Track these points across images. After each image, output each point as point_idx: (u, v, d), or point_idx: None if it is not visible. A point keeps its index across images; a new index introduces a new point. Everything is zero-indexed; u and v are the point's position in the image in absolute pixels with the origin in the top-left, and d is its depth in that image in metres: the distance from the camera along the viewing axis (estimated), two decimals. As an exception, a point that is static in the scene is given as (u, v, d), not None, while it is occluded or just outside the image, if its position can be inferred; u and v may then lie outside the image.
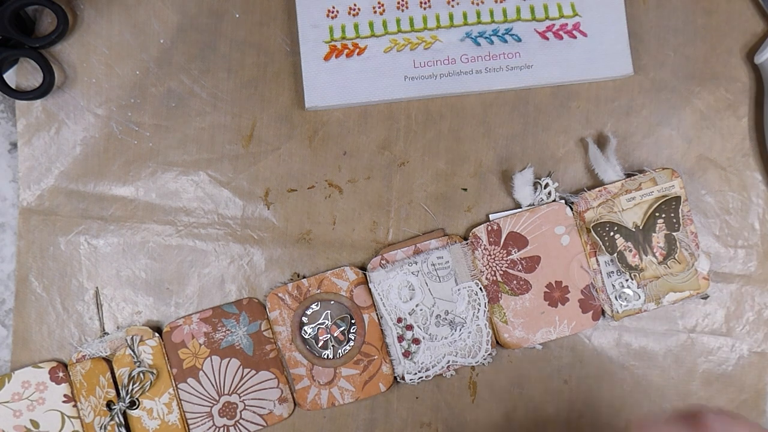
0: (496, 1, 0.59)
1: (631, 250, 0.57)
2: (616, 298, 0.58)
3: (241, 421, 0.57)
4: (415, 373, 0.57)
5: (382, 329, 0.57)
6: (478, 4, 0.59)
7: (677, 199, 0.58)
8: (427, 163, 0.59)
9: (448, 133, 0.59)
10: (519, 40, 0.59)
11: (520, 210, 0.58)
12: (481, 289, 0.57)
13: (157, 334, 0.58)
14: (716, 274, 0.59)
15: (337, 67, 0.58)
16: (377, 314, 0.58)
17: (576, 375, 0.59)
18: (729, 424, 0.43)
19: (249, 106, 0.59)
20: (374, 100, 0.58)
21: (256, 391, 0.57)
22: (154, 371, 0.57)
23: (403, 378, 0.57)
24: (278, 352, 0.58)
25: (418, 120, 0.59)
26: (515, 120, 0.59)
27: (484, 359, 0.57)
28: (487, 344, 0.57)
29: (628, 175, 0.58)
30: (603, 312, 0.58)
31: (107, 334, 0.58)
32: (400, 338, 0.57)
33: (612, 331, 0.59)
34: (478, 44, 0.58)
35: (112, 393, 0.57)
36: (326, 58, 0.58)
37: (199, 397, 0.57)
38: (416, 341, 0.57)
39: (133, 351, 0.57)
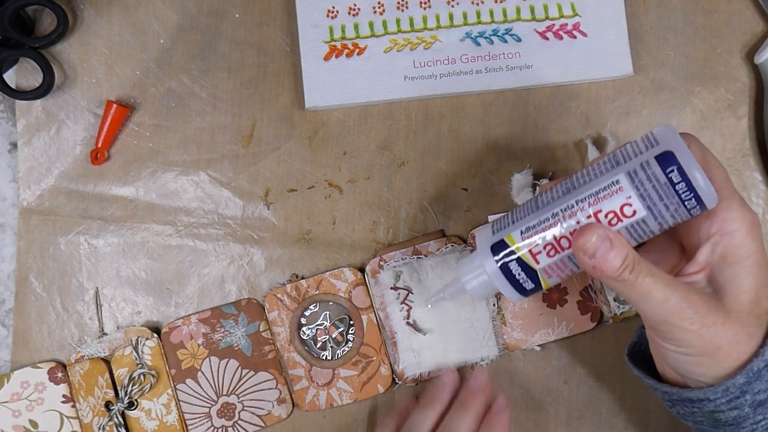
0: (496, 1, 0.56)
1: (630, 251, 0.55)
2: (614, 299, 0.55)
3: (239, 421, 0.55)
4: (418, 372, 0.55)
5: (381, 329, 0.55)
6: (478, 4, 0.56)
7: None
8: (427, 163, 0.56)
9: (448, 133, 0.56)
10: (519, 40, 0.56)
11: (519, 210, 0.56)
12: None
13: (155, 335, 0.55)
14: (716, 275, 0.56)
15: (337, 67, 0.55)
16: (376, 315, 0.55)
17: (576, 375, 0.56)
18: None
19: (249, 106, 0.56)
20: (374, 100, 0.56)
21: (254, 392, 0.55)
22: (155, 373, 0.54)
23: (401, 376, 0.54)
24: (277, 353, 0.55)
25: (418, 120, 0.56)
26: (515, 120, 0.56)
27: (485, 360, 0.55)
28: (491, 343, 0.54)
29: (628, 176, 0.56)
30: (601, 314, 0.55)
31: (106, 334, 0.55)
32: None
33: (612, 331, 0.56)
34: (478, 44, 0.56)
35: (111, 393, 0.54)
36: (326, 58, 0.55)
37: (198, 398, 0.54)
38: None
39: (137, 353, 0.54)
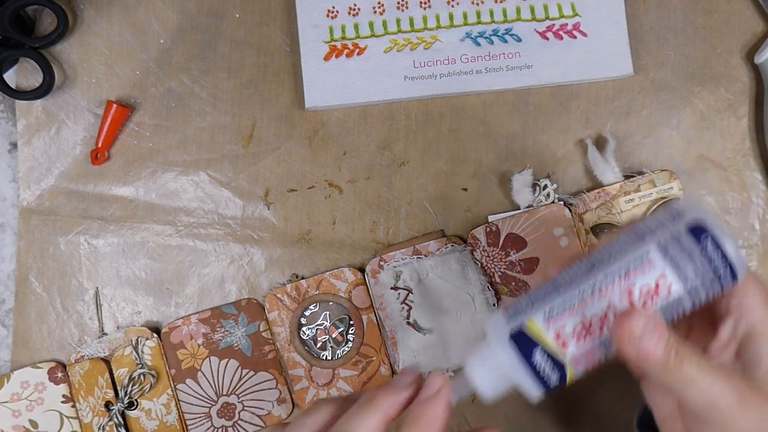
0: (496, 1, 0.55)
1: (630, 251, 0.54)
2: (615, 298, 0.55)
3: (239, 421, 0.54)
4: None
5: (381, 329, 0.54)
6: (478, 4, 0.55)
7: (676, 200, 0.55)
8: (427, 163, 0.56)
9: (448, 133, 0.56)
10: (519, 40, 0.55)
11: (519, 212, 0.55)
12: (488, 287, 0.54)
13: (155, 335, 0.54)
14: (716, 275, 0.56)
15: (337, 67, 0.55)
16: (376, 315, 0.55)
17: (575, 375, 0.56)
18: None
19: (249, 106, 0.56)
20: (374, 100, 0.55)
21: (254, 392, 0.54)
22: (155, 373, 0.53)
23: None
24: (277, 353, 0.55)
25: (418, 120, 0.56)
26: (515, 120, 0.56)
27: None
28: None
29: (627, 177, 0.55)
30: (602, 313, 0.55)
31: (106, 334, 0.55)
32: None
33: (612, 331, 0.56)
34: (478, 44, 0.55)
35: (111, 393, 0.54)
36: (326, 58, 0.55)
37: (198, 398, 0.54)
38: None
39: (137, 353, 0.54)
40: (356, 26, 0.55)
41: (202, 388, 0.54)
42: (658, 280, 0.35)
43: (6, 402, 0.54)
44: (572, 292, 0.36)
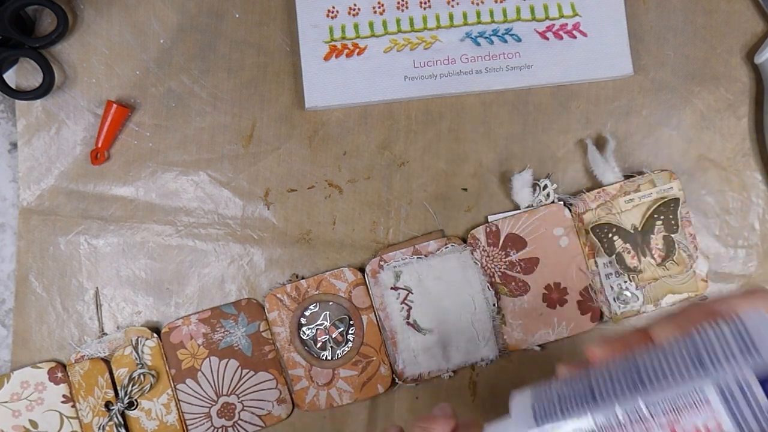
0: (496, 1, 0.55)
1: (629, 252, 0.54)
2: (614, 299, 0.55)
3: (239, 421, 0.54)
4: (417, 372, 0.54)
5: (381, 329, 0.54)
6: (478, 4, 0.55)
7: (676, 200, 0.55)
8: (427, 163, 0.56)
9: (448, 133, 0.56)
10: (519, 40, 0.55)
11: (519, 212, 0.55)
12: (488, 287, 0.54)
13: (155, 335, 0.54)
14: (716, 274, 0.56)
15: (337, 67, 0.55)
16: (376, 315, 0.55)
17: (575, 375, 0.56)
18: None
19: (249, 106, 0.56)
20: (374, 100, 0.55)
21: (254, 392, 0.54)
22: (155, 373, 0.53)
23: (401, 376, 0.54)
24: (277, 353, 0.55)
25: (418, 120, 0.56)
26: (515, 120, 0.56)
27: (485, 360, 0.54)
28: (491, 343, 0.54)
29: (627, 177, 0.55)
30: (602, 314, 0.55)
31: (106, 334, 0.55)
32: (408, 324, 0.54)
33: (612, 331, 0.56)
34: (478, 44, 0.55)
35: (111, 393, 0.54)
36: (326, 58, 0.55)
37: (198, 398, 0.54)
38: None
39: (137, 353, 0.54)
40: (356, 26, 0.55)
41: (202, 388, 0.54)
42: (710, 422, 0.31)
43: (6, 402, 0.54)
44: (608, 413, 0.33)
